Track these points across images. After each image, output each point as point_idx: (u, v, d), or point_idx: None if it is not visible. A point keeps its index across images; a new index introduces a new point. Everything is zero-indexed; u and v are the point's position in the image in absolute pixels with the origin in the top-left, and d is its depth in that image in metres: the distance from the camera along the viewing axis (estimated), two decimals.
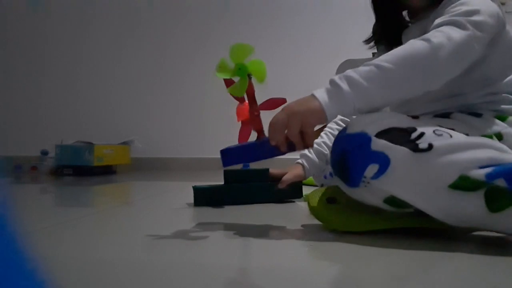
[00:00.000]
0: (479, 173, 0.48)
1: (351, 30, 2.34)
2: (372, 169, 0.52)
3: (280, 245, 0.57)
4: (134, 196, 1.28)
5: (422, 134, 0.52)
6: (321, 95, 0.57)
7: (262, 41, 2.46)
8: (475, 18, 0.61)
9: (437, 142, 0.50)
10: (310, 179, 1.30)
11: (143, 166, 2.40)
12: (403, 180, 0.51)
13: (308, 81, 2.38)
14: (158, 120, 2.53)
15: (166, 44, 2.56)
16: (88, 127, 2.49)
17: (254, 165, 1.00)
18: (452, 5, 0.66)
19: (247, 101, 0.90)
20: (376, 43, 0.86)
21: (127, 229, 0.70)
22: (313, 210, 0.67)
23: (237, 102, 0.94)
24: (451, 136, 0.52)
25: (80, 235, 0.65)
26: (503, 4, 0.71)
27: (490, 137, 0.62)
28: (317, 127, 0.69)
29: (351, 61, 1.39)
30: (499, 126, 0.64)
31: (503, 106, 0.67)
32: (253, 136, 0.94)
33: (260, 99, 0.97)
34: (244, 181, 0.94)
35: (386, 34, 0.83)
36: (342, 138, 0.56)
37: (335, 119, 1.01)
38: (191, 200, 0.92)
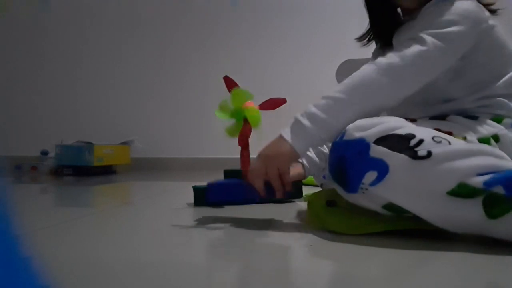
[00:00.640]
0: (478, 181, 0.48)
1: (351, 30, 2.33)
2: (370, 176, 0.52)
3: (280, 245, 0.57)
4: (134, 196, 1.28)
5: (421, 141, 0.52)
6: (288, 135, 0.62)
7: (262, 41, 2.47)
8: (446, 30, 0.62)
9: (436, 150, 0.50)
10: (310, 178, 1.30)
11: (143, 166, 2.40)
12: (401, 187, 0.51)
13: (308, 81, 2.38)
14: (158, 120, 2.53)
15: (166, 44, 2.56)
16: (88, 127, 2.49)
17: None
18: (431, 11, 0.66)
19: (248, 101, 0.91)
20: (369, 41, 0.86)
21: (127, 229, 0.70)
22: (313, 214, 0.67)
23: None
24: (450, 143, 0.52)
25: (80, 235, 0.65)
26: (490, 5, 0.70)
27: (488, 139, 0.62)
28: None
29: (351, 61, 1.39)
30: (496, 128, 0.64)
31: (498, 110, 0.67)
32: (253, 136, 0.94)
33: (260, 99, 0.97)
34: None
35: (379, 33, 0.83)
36: (340, 144, 0.56)
37: None
38: (191, 200, 0.92)
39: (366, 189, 0.53)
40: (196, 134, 2.49)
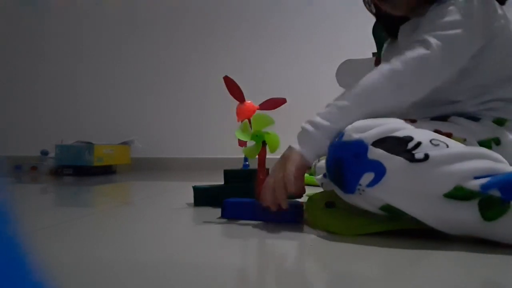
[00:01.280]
0: (474, 184, 0.48)
1: (351, 30, 2.34)
2: (367, 177, 0.52)
3: (280, 245, 0.57)
4: (134, 196, 1.28)
5: (418, 144, 0.52)
6: (296, 145, 0.65)
7: (262, 41, 2.47)
8: (450, 32, 0.61)
9: (433, 153, 0.51)
10: (311, 178, 1.31)
11: (143, 166, 2.41)
12: (398, 189, 0.51)
13: (308, 81, 2.38)
14: (158, 120, 2.53)
15: (166, 44, 2.56)
16: (88, 127, 2.49)
17: (254, 165, 1.00)
18: (437, 11, 0.65)
19: (248, 102, 0.91)
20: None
21: (127, 229, 0.70)
22: (311, 215, 0.67)
23: (237, 102, 0.94)
24: (447, 146, 0.52)
25: (80, 235, 0.65)
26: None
27: (488, 141, 0.62)
28: None
29: (351, 61, 1.38)
30: (497, 131, 0.64)
31: (501, 113, 0.67)
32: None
33: (260, 99, 0.97)
34: (244, 181, 0.94)
35: (386, 29, 0.84)
36: (338, 145, 0.56)
37: None
38: (191, 200, 0.92)
39: (363, 190, 0.53)
40: (196, 134, 2.49)
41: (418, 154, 0.51)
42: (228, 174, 0.94)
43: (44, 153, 2.13)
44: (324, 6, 2.39)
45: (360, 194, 0.54)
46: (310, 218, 0.69)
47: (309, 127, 0.63)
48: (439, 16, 0.64)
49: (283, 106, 0.97)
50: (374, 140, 0.53)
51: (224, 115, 2.28)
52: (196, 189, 0.92)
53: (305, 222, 0.71)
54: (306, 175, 1.43)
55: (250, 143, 0.74)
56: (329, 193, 0.70)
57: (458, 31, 0.61)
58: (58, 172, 1.99)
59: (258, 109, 0.95)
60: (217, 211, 0.79)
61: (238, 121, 0.95)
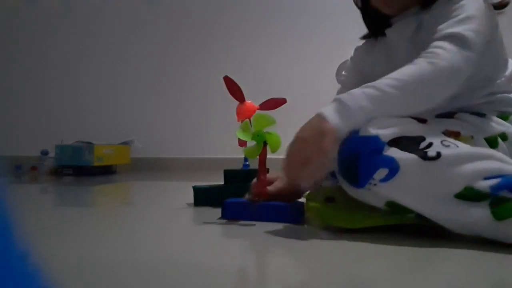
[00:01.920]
0: (484, 185, 0.49)
1: (351, 30, 2.33)
2: (381, 173, 0.53)
3: (280, 245, 0.57)
4: (134, 196, 1.28)
5: (430, 144, 0.53)
6: (329, 115, 0.58)
7: (262, 41, 2.47)
8: (474, 26, 0.62)
9: (445, 151, 0.52)
10: None
11: (143, 166, 2.41)
12: (410, 186, 0.52)
13: (308, 81, 2.38)
14: (158, 120, 2.53)
15: (166, 44, 2.56)
16: (88, 127, 2.49)
17: (254, 165, 1.00)
18: (452, 7, 0.65)
19: (248, 102, 0.90)
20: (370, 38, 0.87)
21: (127, 229, 0.70)
22: (311, 209, 0.67)
23: (237, 102, 0.94)
24: (457, 147, 0.54)
25: (80, 235, 0.65)
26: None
27: (495, 137, 0.63)
28: None
29: None
30: (503, 126, 0.65)
31: (503, 106, 0.68)
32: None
33: (260, 99, 0.97)
34: (244, 181, 0.94)
35: (372, 29, 0.83)
36: (354, 140, 0.57)
37: None
38: (191, 200, 0.92)
39: (375, 184, 0.54)
40: (196, 134, 2.49)
41: (431, 152, 0.52)
42: (228, 174, 0.94)
43: (44, 153, 2.13)
44: (324, 6, 2.39)
45: (370, 189, 0.54)
46: (311, 213, 0.69)
47: (351, 103, 0.57)
48: (456, 10, 0.64)
49: (283, 106, 0.97)
50: (390, 139, 0.54)
51: (224, 115, 2.27)
52: (196, 189, 0.92)
53: (305, 220, 0.71)
54: None
55: (251, 143, 0.73)
56: (327, 189, 0.71)
57: (481, 24, 0.62)
58: (58, 172, 1.99)
59: (258, 109, 0.95)
60: (217, 211, 0.79)
61: (238, 121, 0.95)
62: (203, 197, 0.92)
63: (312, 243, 0.57)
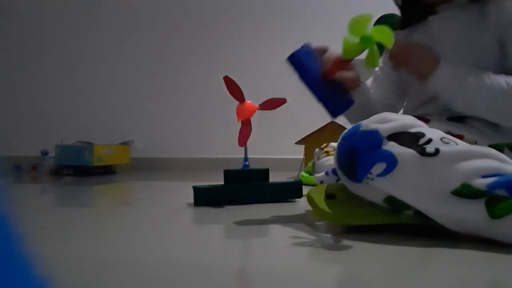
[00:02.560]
0: (481, 183, 0.49)
1: None
2: (379, 167, 0.54)
3: (280, 245, 0.57)
4: (134, 196, 1.28)
5: (430, 140, 0.54)
6: (445, 67, 0.68)
7: (262, 41, 2.47)
8: None
9: (443, 148, 0.52)
10: (310, 178, 1.30)
11: (143, 166, 2.40)
12: (407, 181, 0.52)
13: None
14: (158, 120, 2.53)
15: (166, 44, 2.56)
16: (88, 127, 2.49)
17: (254, 165, 1.00)
18: None
19: (248, 102, 0.90)
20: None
21: (127, 229, 0.70)
22: (312, 205, 0.67)
23: (237, 102, 0.95)
24: (457, 144, 0.54)
25: (80, 235, 0.65)
26: None
27: (501, 145, 0.63)
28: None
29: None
30: None
31: None
32: (253, 137, 0.94)
33: (260, 99, 0.97)
34: (244, 181, 0.94)
35: (412, 20, 0.85)
36: (354, 134, 0.57)
37: None
38: (191, 200, 0.92)
39: (372, 179, 0.54)
40: (196, 134, 2.49)
41: (429, 148, 0.52)
42: (228, 174, 0.94)
43: (44, 153, 2.13)
44: (324, 6, 2.39)
45: (368, 183, 0.55)
46: (314, 208, 0.69)
47: (456, 70, 0.66)
48: None
49: (283, 106, 0.97)
50: (389, 133, 0.55)
51: (224, 115, 2.28)
52: (196, 189, 0.92)
53: (305, 219, 0.71)
54: (305, 174, 1.44)
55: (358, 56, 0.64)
56: (329, 186, 0.71)
57: None
58: (58, 172, 1.99)
59: (258, 109, 0.95)
60: (217, 211, 0.79)
61: (238, 121, 0.95)
62: (203, 197, 0.92)
63: (313, 243, 0.57)
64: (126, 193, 1.37)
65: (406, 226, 0.59)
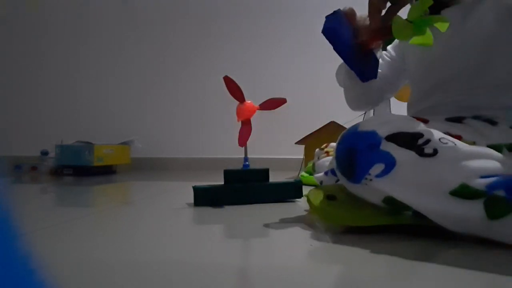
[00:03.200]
0: (480, 183, 0.49)
1: None
2: (377, 168, 0.54)
3: (280, 245, 0.57)
4: (134, 196, 1.28)
5: (428, 141, 0.53)
6: None
7: (262, 41, 2.47)
8: None
9: (442, 149, 0.52)
10: (311, 178, 1.31)
11: (143, 166, 2.41)
12: (406, 182, 0.52)
13: (308, 81, 2.38)
14: (158, 120, 2.53)
15: (166, 44, 2.56)
16: (88, 127, 2.49)
17: (254, 165, 1.00)
18: None
19: (248, 102, 0.90)
20: None
21: (127, 229, 0.70)
22: (312, 205, 0.67)
23: (237, 102, 0.95)
24: (455, 145, 0.53)
25: (80, 235, 0.65)
26: None
27: (499, 146, 0.62)
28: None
29: None
30: None
31: None
32: (253, 137, 0.94)
33: (260, 99, 0.97)
34: (244, 181, 0.94)
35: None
36: (352, 134, 0.58)
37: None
38: (191, 200, 0.92)
39: (370, 180, 0.54)
40: (196, 134, 2.49)
41: (428, 149, 0.52)
42: (228, 174, 0.94)
43: (44, 153, 2.13)
44: (324, 6, 2.39)
45: (366, 184, 0.55)
46: (313, 210, 0.69)
47: None
48: None
49: (283, 106, 0.97)
50: (387, 134, 0.55)
51: (224, 115, 2.28)
52: (196, 189, 0.92)
53: (305, 219, 0.71)
54: (305, 174, 1.44)
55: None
56: (329, 187, 0.71)
57: None
58: (58, 172, 1.99)
59: (258, 109, 0.95)
60: (217, 211, 0.79)
61: (238, 121, 0.95)
62: (203, 197, 0.92)
63: (313, 243, 0.57)
64: (126, 193, 1.36)
65: (405, 226, 0.59)
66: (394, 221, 0.59)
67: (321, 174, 1.05)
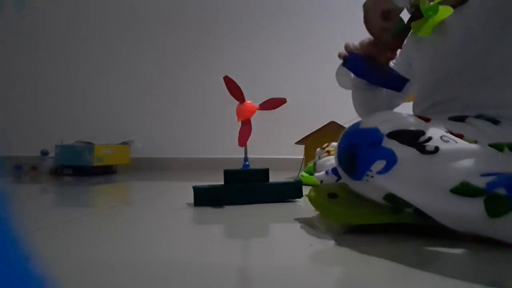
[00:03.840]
0: (481, 181, 0.49)
1: (351, 30, 2.33)
2: (379, 164, 0.54)
3: (280, 245, 0.57)
4: (134, 196, 1.28)
5: (429, 139, 0.54)
6: None
7: (262, 41, 2.47)
8: None
9: (443, 146, 0.52)
10: (311, 178, 1.31)
11: (143, 166, 2.41)
12: (406, 179, 0.53)
13: (308, 81, 2.38)
14: (158, 120, 2.53)
15: (166, 44, 2.56)
16: (88, 127, 2.49)
17: (254, 165, 1.00)
18: None
19: (248, 102, 0.90)
20: None
21: (127, 229, 0.70)
22: (314, 203, 0.67)
23: (237, 102, 0.95)
24: (457, 143, 0.54)
25: (80, 235, 0.65)
26: None
27: (501, 145, 0.62)
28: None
29: None
30: None
31: None
32: (253, 137, 0.94)
33: (260, 99, 0.97)
34: (244, 181, 0.94)
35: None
36: (354, 132, 0.58)
37: None
38: (191, 200, 0.92)
39: (372, 176, 0.54)
40: (196, 134, 2.49)
41: (429, 146, 0.52)
42: (228, 174, 0.94)
43: (44, 153, 2.13)
44: (324, 6, 2.39)
45: (367, 181, 0.55)
46: (315, 208, 0.69)
47: None
48: None
49: (283, 106, 0.97)
50: (389, 131, 0.55)
51: (224, 115, 2.28)
52: (196, 189, 0.92)
53: (305, 219, 0.71)
54: (305, 174, 1.44)
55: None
56: (330, 185, 0.71)
57: None
58: (58, 172, 1.99)
59: (258, 109, 0.95)
60: (217, 211, 0.79)
61: (238, 121, 0.95)
62: (203, 197, 0.92)
63: (313, 243, 0.57)
64: (126, 193, 1.36)
65: (406, 226, 0.59)
66: (396, 220, 0.59)
67: (322, 173, 1.05)
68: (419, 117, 0.61)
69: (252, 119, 0.94)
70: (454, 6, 0.74)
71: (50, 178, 1.79)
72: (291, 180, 1.03)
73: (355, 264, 0.48)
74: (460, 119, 0.68)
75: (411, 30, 0.77)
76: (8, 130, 2.54)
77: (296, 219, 0.74)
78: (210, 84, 2.38)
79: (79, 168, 1.94)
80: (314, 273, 0.45)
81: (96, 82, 2.60)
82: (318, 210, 0.66)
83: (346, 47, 0.81)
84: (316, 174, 1.11)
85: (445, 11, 0.70)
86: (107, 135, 2.29)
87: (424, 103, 0.83)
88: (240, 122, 0.94)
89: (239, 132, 0.93)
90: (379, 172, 0.54)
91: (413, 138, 0.54)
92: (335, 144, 1.12)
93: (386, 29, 0.72)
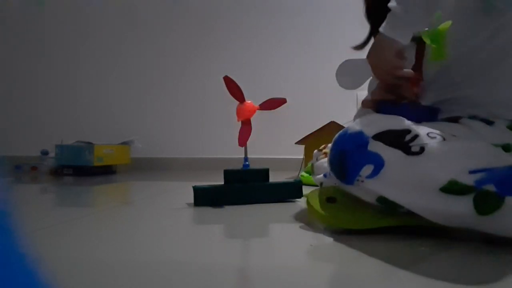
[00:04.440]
0: (469, 179, 0.48)
1: (351, 30, 2.33)
2: (367, 169, 0.54)
3: (280, 245, 0.57)
4: (134, 196, 1.28)
5: (416, 136, 0.53)
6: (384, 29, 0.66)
7: (262, 41, 2.47)
8: None
9: (429, 146, 0.52)
10: (310, 178, 1.30)
11: (143, 166, 2.40)
12: (395, 181, 0.52)
13: (308, 81, 2.38)
14: (158, 120, 2.53)
15: (166, 44, 2.56)
16: (88, 127, 2.49)
17: (254, 165, 1.00)
18: None
19: (248, 102, 0.90)
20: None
21: (127, 229, 0.70)
22: (312, 209, 0.67)
23: (237, 102, 0.95)
24: (444, 139, 0.53)
25: (80, 235, 0.65)
26: None
27: (496, 147, 0.62)
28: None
29: (350, 61, 1.38)
30: (509, 137, 0.63)
31: None
32: (253, 137, 0.94)
33: (260, 99, 0.97)
34: (244, 181, 0.94)
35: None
36: (342, 137, 0.58)
37: None
38: (191, 200, 0.92)
39: (362, 181, 0.55)
40: (196, 134, 2.49)
41: (414, 147, 0.52)
42: (228, 174, 0.94)
43: (44, 153, 2.13)
44: (324, 6, 2.39)
45: (359, 185, 0.55)
46: (311, 213, 0.69)
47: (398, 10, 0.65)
48: None
49: (283, 106, 0.97)
50: (374, 133, 0.55)
51: (224, 115, 2.28)
52: (196, 189, 0.92)
53: (305, 220, 0.71)
54: (305, 174, 1.44)
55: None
56: (328, 189, 0.71)
57: None
58: (58, 172, 1.99)
59: (258, 109, 0.95)
60: (217, 211, 0.79)
61: (238, 121, 0.95)
62: (203, 197, 0.92)
63: (312, 243, 0.57)
64: (126, 193, 1.36)
65: (405, 226, 0.59)
66: (393, 223, 0.59)
67: (321, 176, 1.05)
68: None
69: (252, 119, 0.94)
70: None
71: (50, 178, 1.79)
72: (291, 180, 1.03)
73: (355, 264, 0.48)
74: (454, 120, 0.67)
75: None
76: (8, 130, 2.54)
77: (296, 219, 0.74)
78: (210, 84, 2.38)
79: (79, 168, 1.93)
80: (314, 273, 0.45)
81: (96, 82, 2.60)
82: (316, 217, 0.66)
83: (365, 104, 0.75)
84: (315, 176, 1.10)
85: (445, 26, 0.69)
86: (107, 135, 2.29)
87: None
88: (240, 122, 0.94)
89: (239, 132, 0.93)
90: (368, 177, 0.54)
91: (398, 138, 0.54)
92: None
93: (400, 67, 0.68)
